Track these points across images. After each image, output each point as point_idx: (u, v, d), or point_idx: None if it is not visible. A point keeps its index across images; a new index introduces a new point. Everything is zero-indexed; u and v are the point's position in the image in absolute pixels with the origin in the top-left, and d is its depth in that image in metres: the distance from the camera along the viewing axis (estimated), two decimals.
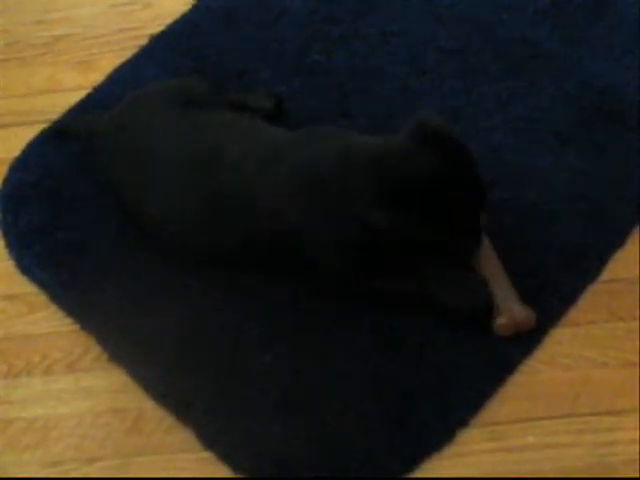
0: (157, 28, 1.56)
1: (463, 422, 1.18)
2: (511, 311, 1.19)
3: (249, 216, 1.22)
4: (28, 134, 1.46)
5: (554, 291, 1.24)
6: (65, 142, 1.45)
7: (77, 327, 1.28)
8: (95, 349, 1.27)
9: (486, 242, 1.23)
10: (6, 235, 1.37)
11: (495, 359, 1.21)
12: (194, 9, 1.58)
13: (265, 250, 1.25)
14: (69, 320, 1.29)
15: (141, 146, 1.30)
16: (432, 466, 1.16)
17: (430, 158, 1.13)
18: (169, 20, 1.57)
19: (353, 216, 1.14)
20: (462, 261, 1.21)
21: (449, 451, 1.17)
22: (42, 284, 1.32)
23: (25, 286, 1.33)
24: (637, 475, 1.13)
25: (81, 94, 1.50)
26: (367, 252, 1.18)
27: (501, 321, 1.19)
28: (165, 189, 1.27)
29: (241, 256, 1.27)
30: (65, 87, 1.52)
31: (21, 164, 1.44)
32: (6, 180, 1.42)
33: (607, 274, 1.26)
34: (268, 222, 1.21)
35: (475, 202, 1.16)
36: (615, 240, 1.29)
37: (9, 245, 1.36)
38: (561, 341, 1.22)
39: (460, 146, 1.15)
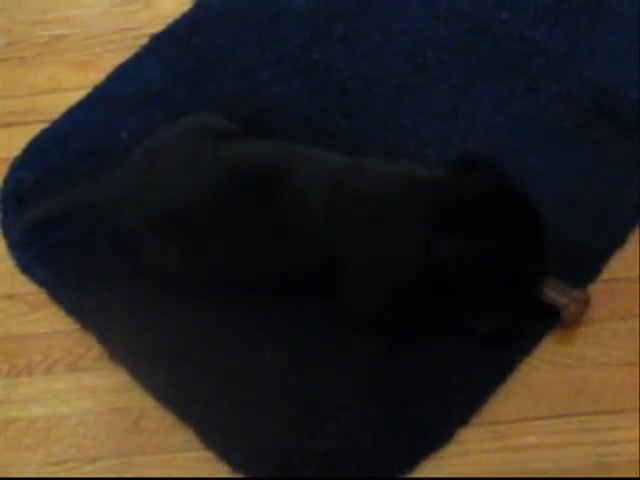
0: (158, 27, 1.56)
1: (464, 421, 1.18)
2: (575, 298, 1.19)
3: (302, 247, 1.19)
4: (29, 134, 1.46)
5: None
6: (66, 142, 1.45)
7: (78, 326, 1.28)
8: (96, 348, 1.27)
9: None
10: (7, 234, 1.37)
11: (496, 358, 1.21)
12: (194, 8, 1.58)
13: (303, 278, 1.22)
14: (70, 319, 1.29)
15: (181, 199, 1.20)
16: (432, 465, 1.16)
17: (483, 185, 1.14)
18: (170, 19, 1.56)
19: (418, 247, 1.14)
20: (531, 289, 1.19)
21: (449, 450, 1.17)
22: (43, 283, 1.32)
23: (26, 285, 1.33)
24: (638, 474, 1.13)
25: (82, 94, 1.49)
26: (423, 289, 1.16)
27: (571, 310, 1.19)
28: (226, 235, 1.20)
29: (277, 283, 1.24)
30: (66, 87, 1.52)
31: (22, 163, 1.43)
32: (7, 179, 1.42)
33: (607, 273, 1.26)
34: (319, 253, 1.18)
35: (533, 224, 1.16)
36: (615, 239, 1.29)
37: (10, 244, 1.36)
38: (562, 340, 1.22)
39: (504, 173, 1.18)
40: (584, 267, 1.26)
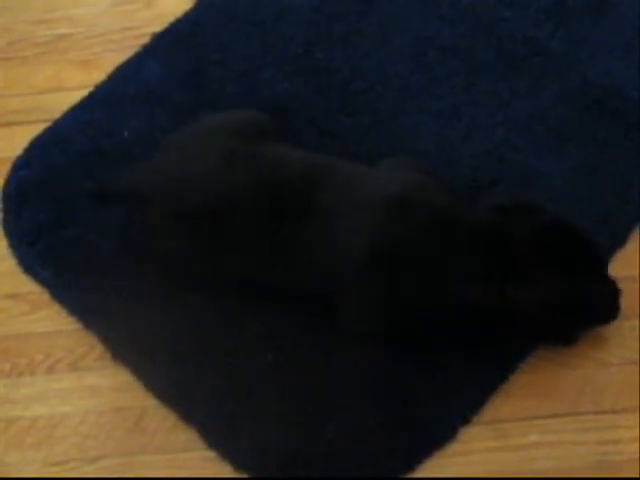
0: (159, 26, 1.55)
1: (466, 420, 1.18)
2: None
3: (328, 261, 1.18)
4: (31, 133, 1.45)
5: None
6: (67, 142, 1.45)
7: (80, 326, 1.28)
8: (98, 348, 1.27)
9: None
10: (8, 234, 1.37)
11: (498, 357, 1.21)
12: (196, 8, 1.58)
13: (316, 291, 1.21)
14: (72, 319, 1.29)
15: (211, 195, 1.19)
16: (434, 464, 1.16)
17: (521, 225, 1.14)
18: (171, 18, 1.56)
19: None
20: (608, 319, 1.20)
21: (451, 449, 1.17)
22: (44, 283, 1.32)
23: (27, 285, 1.33)
24: None
25: (83, 93, 1.49)
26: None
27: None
28: (247, 238, 1.19)
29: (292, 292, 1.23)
30: (67, 86, 1.52)
31: (23, 163, 1.43)
32: (9, 179, 1.42)
33: (609, 273, 1.26)
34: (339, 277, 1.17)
35: (594, 257, 1.16)
36: (617, 239, 1.29)
37: (11, 244, 1.36)
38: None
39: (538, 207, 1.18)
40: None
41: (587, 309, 1.16)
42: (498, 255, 1.12)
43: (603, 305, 1.18)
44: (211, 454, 1.19)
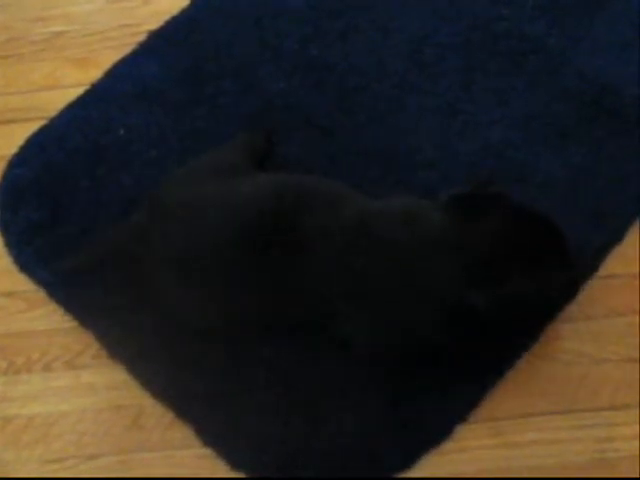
0: (156, 24, 1.55)
1: (462, 418, 1.18)
2: None
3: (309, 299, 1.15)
4: (27, 131, 1.45)
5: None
6: (64, 139, 1.44)
7: (76, 324, 1.28)
8: (95, 346, 1.27)
9: None
10: (5, 232, 1.37)
11: (494, 355, 1.21)
12: (193, 5, 1.58)
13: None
14: (68, 317, 1.29)
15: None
16: (431, 462, 1.17)
17: (492, 223, 1.11)
18: (168, 16, 1.56)
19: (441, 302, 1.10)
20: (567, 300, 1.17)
21: (448, 447, 1.17)
22: (41, 281, 1.32)
23: (24, 283, 1.32)
24: (638, 470, 1.13)
25: (80, 90, 1.49)
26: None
27: None
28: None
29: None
30: (64, 83, 1.52)
31: (20, 160, 1.43)
32: (5, 176, 1.42)
33: (606, 270, 1.26)
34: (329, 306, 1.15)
35: (560, 247, 1.12)
36: (614, 236, 1.29)
37: (8, 242, 1.36)
38: (560, 336, 1.22)
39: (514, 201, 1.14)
40: (582, 263, 1.26)
41: (549, 298, 1.13)
42: (459, 260, 1.09)
43: (565, 292, 1.14)
44: (208, 452, 1.19)
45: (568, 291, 1.14)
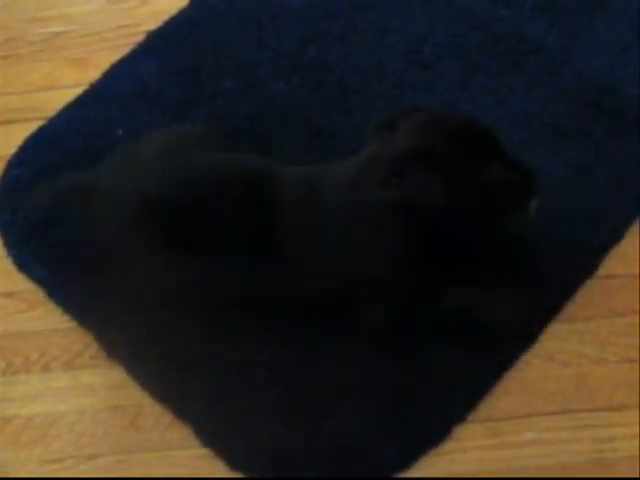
0: (154, 24, 1.55)
1: (461, 418, 1.18)
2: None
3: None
4: (25, 131, 1.45)
5: (551, 286, 1.24)
6: (62, 140, 1.44)
7: (75, 324, 1.28)
8: (93, 346, 1.27)
9: None
10: (4, 232, 1.37)
11: (492, 355, 1.21)
12: (191, 5, 1.58)
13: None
14: (67, 317, 1.29)
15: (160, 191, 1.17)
16: (430, 462, 1.16)
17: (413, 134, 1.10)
18: (166, 16, 1.56)
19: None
20: (521, 205, 1.14)
21: (446, 447, 1.17)
22: (40, 281, 1.32)
23: (23, 283, 1.32)
24: (636, 470, 1.13)
25: (78, 91, 1.49)
26: (419, 243, 1.12)
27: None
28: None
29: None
30: (63, 84, 1.52)
31: (19, 161, 1.43)
32: (4, 177, 1.42)
33: (605, 270, 1.26)
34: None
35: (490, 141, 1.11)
36: (613, 236, 1.29)
37: (7, 242, 1.36)
38: (559, 337, 1.22)
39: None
40: (581, 263, 1.26)
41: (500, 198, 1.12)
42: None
43: (515, 192, 1.13)
44: (207, 452, 1.19)
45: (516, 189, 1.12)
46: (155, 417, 1.22)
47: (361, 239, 1.13)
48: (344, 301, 1.18)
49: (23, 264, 1.34)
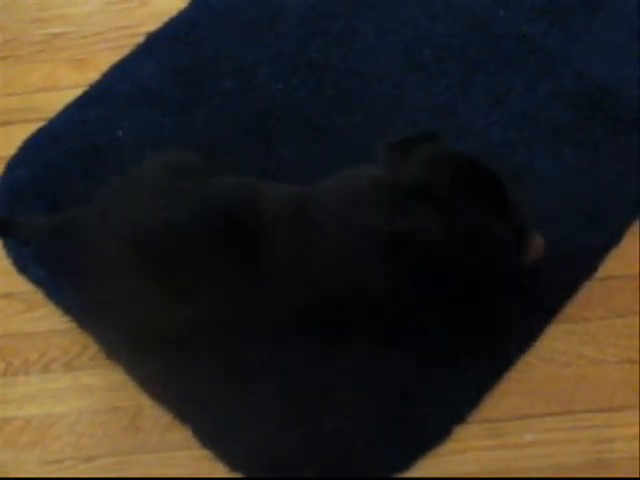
0: (154, 25, 1.55)
1: (461, 419, 1.18)
2: None
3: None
4: (25, 132, 1.45)
5: (551, 287, 1.24)
6: (62, 141, 1.44)
7: (74, 325, 1.28)
8: (93, 347, 1.27)
9: None
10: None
11: (492, 356, 1.21)
12: (191, 6, 1.58)
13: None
14: (66, 318, 1.29)
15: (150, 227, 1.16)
16: (430, 463, 1.17)
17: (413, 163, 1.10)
18: (166, 17, 1.56)
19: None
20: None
21: (447, 448, 1.17)
22: (39, 283, 1.32)
23: (22, 285, 1.33)
24: (636, 471, 1.13)
25: (78, 92, 1.49)
26: (408, 275, 1.12)
27: None
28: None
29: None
30: (62, 85, 1.52)
31: (18, 161, 1.43)
32: (3, 178, 1.42)
33: (604, 271, 1.26)
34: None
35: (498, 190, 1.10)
36: (612, 237, 1.29)
37: (6, 244, 1.36)
38: (558, 338, 1.22)
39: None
40: (581, 265, 1.26)
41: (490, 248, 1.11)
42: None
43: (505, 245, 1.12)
44: (207, 453, 1.19)
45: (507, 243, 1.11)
46: (154, 418, 1.22)
47: (351, 263, 1.13)
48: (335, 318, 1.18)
49: (23, 265, 1.34)
